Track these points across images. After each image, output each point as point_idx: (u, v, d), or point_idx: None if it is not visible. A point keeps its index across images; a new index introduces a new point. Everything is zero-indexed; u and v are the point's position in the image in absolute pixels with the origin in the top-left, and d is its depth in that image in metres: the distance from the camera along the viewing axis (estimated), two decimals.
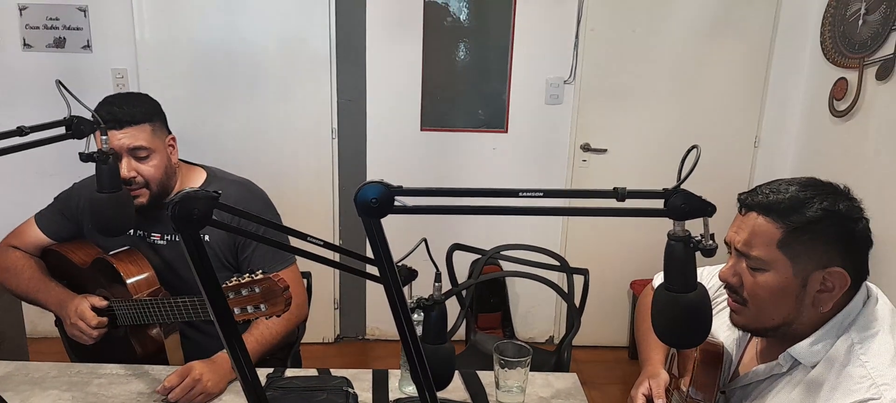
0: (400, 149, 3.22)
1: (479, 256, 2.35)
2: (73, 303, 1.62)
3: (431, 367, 0.83)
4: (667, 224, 0.76)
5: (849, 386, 1.03)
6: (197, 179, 1.77)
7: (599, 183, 3.12)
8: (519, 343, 1.45)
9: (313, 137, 3.17)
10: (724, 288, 1.19)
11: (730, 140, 3.21)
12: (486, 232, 2.66)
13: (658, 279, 1.51)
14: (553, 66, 3.13)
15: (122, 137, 1.57)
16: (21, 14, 2.99)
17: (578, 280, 2.21)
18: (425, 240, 0.91)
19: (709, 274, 1.40)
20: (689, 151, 0.75)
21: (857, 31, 2.64)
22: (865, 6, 2.58)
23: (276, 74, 3.08)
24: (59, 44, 3.03)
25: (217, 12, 3.00)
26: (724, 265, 1.19)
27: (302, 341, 1.96)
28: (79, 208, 1.77)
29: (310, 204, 3.22)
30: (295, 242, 0.83)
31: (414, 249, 0.92)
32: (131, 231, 1.71)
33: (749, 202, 1.12)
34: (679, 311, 0.80)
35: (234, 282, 1.18)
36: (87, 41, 3.03)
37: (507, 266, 2.42)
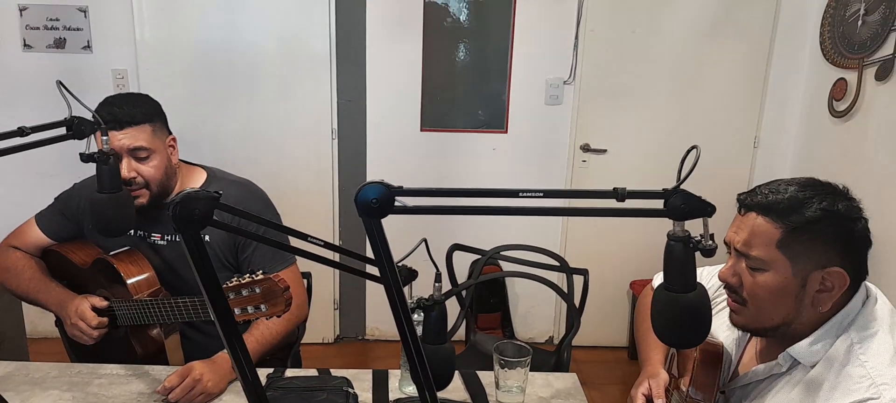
0: (400, 149, 3.22)
1: (479, 256, 2.35)
2: (74, 303, 1.62)
3: (431, 367, 0.83)
4: (666, 224, 0.77)
5: (848, 386, 1.03)
6: (197, 179, 1.77)
7: (599, 183, 3.12)
8: (519, 343, 1.45)
9: (313, 137, 3.17)
10: (724, 288, 1.19)
11: (729, 140, 3.22)
12: (486, 233, 2.67)
13: (658, 279, 1.51)
14: (553, 67, 3.13)
15: (123, 138, 1.57)
16: (21, 14, 2.99)
17: (578, 280, 2.21)
18: (425, 241, 0.91)
19: (708, 274, 1.40)
20: (688, 152, 0.75)
21: (856, 32, 2.65)
22: (865, 7, 2.59)
23: (276, 74, 3.09)
24: (60, 44, 3.03)
25: (217, 12, 3.00)
26: (723, 265, 1.19)
27: (302, 341, 1.96)
28: (79, 208, 1.77)
29: (309, 204, 3.22)
30: (295, 242, 0.83)
31: (414, 249, 0.92)
32: (131, 231, 1.71)
33: (748, 202, 1.12)
34: (679, 311, 0.80)
35: (234, 283, 1.18)
36: (88, 41, 3.03)
37: (506, 266, 2.42)
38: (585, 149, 3.22)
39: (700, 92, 3.16)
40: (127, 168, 1.58)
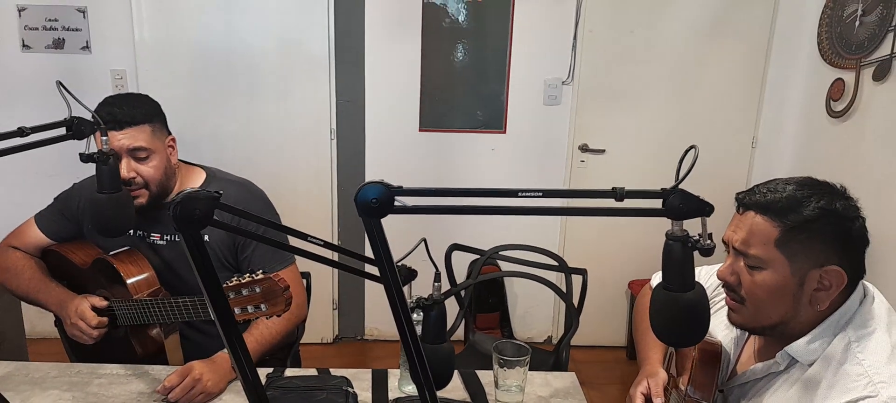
0: (399, 149, 3.22)
1: (478, 256, 2.35)
2: (74, 303, 1.62)
3: (431, 366, 0.84)
4: (665, 224, 0.77)
5: (846, 384, 1.04)
6: (196, 180, 1.77)
7: (598, 183, 3.12)
8: (518, 342, 1.45)
9: (312, 138, 3.17)
10: (722, 286, 1.20)
11: (727, 140, 3.22)
12: (485, 233, 2.67)
13: (656, 278, 1.51)
14: (551, 67, 3.14)
15: (122, 138, 1.57)
16: (20, 15, 2.99)
17: (577, 280, 2.21)
18: (425, 240, 0.92)
19: (707, 274, 1.40)
20: (686, 151, 0.75)
21: (853, 32, 2.65)
22: (862, 7, 2.59)
23: (275, 75, 3.09)
24: (58, 45, 3.03)
25: (216, 13, 3.00)
26: (721, 264, 1.20)
27: (301, 341, 1.96)
28: (79, 208, 1.77)
29: (308, 205, 3.22)
30: (295, 242, 0.84)
31: (413, 249, 0.92)
32: (131, 231, 1.71)
33: (747, 201, 1.13)
34: (677, 310, 0.80)
35: (234, 282, 1.19)
36: (86, 42, 3.03)
37: (505, 266, 2.42)
38: (584, 149, 3.22)
39: (698, 92, 3.16)
40: (126, 168, 1.59)
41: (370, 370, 1.58)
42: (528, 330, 3.49)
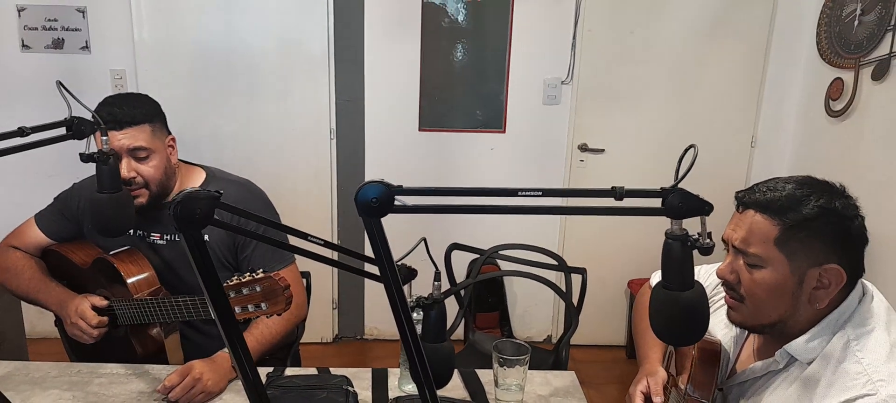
0: (398, 149, 3.23)
1: (478, 256, 2.36)
2: (74, 303, 1.63)
3: (431, 366, 0.84)
4: (664, 223, 0.77)
5: (845, 383, 1.04)
6: (196, 179, 1.77)
7: (597, 183, 3.12)
8: (517, 341, 1.46)
9: (312, 138, 3.17)
10: (722, 285, 1.20)
11: (727, 140, 3.23)
12: (485, 232, 2.67)
13: (656, 277, 1.51)
14: (551, 67, 3.14)
15: (122, 138, 1.57)
16: (19, 15, 2.99)
17: (576, 279, 2.22)
18: (425, 240, 0.92)
19: (706, 272, 1.40)
20: (686, 151, 0.76)
21: (852, 32, 2.66)
22: (861, 7, 2.59)
23: (275, 75, 3.09)
24: (58, 45, 3.03)
25: (215, 13, 3.00)
26: (721, 263, 1.20)
27: (300, 341, 1.96)
28: (79, 208, 1.77)
29: (308, 204, 3.22)
30: (295, 241, 0.84)
31: (413, 249, 0.92)
32: (131, 231, 1.71)
33: (746, 200, 1.13)
34: (677, 309, 0.80)
35: (234, 282, 1.19)
36: (86, 42, 3.03)
37: (505, 265, 2.42)
38: (583, 148, 3.22)
39: (697, 92, 3.16)
40: (126, 168, 1.59)
41: (370, 369, 1.59)
42: (527, 329, 3.50)
